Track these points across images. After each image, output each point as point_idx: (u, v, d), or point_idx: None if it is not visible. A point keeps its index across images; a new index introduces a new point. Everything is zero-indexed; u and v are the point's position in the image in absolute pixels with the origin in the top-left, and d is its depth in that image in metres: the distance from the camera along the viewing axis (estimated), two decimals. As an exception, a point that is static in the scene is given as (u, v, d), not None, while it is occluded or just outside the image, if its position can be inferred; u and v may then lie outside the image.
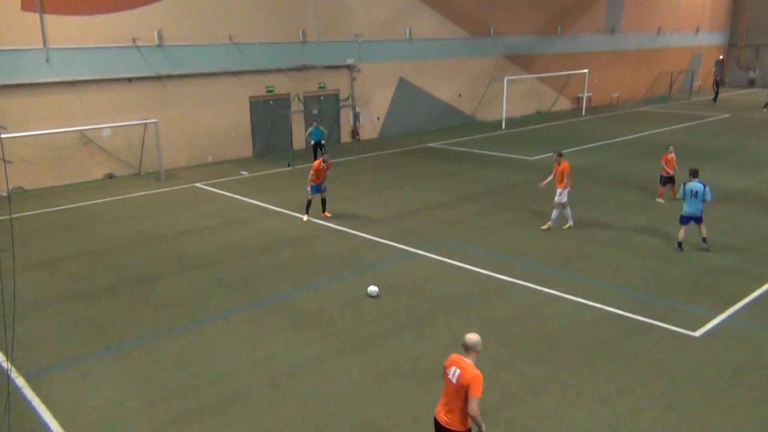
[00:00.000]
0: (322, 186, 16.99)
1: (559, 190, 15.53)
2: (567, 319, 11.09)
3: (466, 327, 10.75)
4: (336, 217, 17.20)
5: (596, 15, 41.25)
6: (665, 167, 18.36)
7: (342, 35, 28.46)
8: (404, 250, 14.67)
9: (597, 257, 14.02)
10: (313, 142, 24.02)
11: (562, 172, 15.33)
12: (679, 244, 14.24)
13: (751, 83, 53.30)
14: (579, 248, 14.66)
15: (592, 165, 23.70)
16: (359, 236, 15.72)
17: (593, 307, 11.52)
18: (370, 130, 30.53)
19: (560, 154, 15.52)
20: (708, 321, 10.93)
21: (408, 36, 31.04)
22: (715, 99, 42.69)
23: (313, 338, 10.51)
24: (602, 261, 13.74)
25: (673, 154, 18.47)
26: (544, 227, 15.78)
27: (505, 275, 13.05)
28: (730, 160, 24.01)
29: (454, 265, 13.70)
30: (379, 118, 30.93)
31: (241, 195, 20.11)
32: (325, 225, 16.67)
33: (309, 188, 16.73)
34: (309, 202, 16.87)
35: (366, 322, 11.04)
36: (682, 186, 13.88)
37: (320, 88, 28.23)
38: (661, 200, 18.34)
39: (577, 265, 13.65)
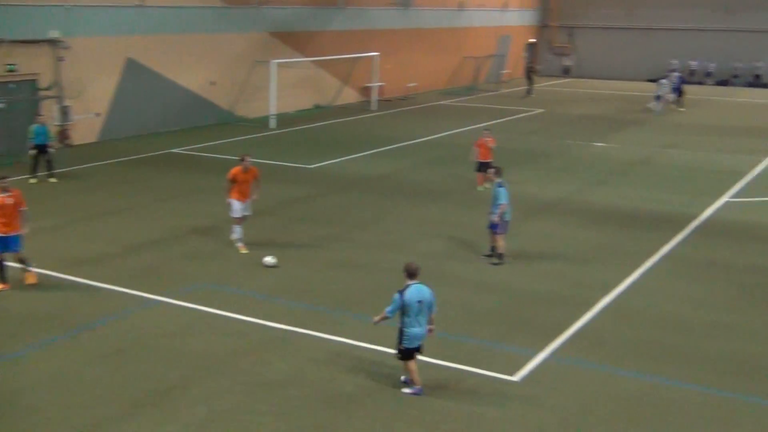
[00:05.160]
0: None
1: (240, 204, 16.57)
2: (363, 374, 11.51)
3: (231, 395, 10.72)
4: (33, 257, 16.16)
5: (385, -16, 43.68)
6: (480, 152, 22.49)
7: (40, -3, 27.05)
8: (139, 297, 14.28)
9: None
10: (34, 147, 22.89)
11: (255, 179, 16.74)
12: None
13: (566, 72, 59.97)
14: (376, 282, 15.32)
15: (385, 174, 24.95)
16: (71, 281, 15.05)
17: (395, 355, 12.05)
18: (85, 130, 29.21)
19: (243, 159, 16.65)
20: (527, 361, 12.01)
21: (138, 1, 30.34)
22: (529, 91, 47.15)
23: (5, 435, 9.78)
24: (403, 296, 14.45)
25: (486, 139, 22.56)
26: (243, 250, 16.75)
27: (280, 323, 13.21)
28: (544, 165, 26.78)
29: (210, 313, 13.59)
30: (99, 114, 29.77)
31: None
32: (15, 268, 15.56)
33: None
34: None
35: (85, 404, 10.56)
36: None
37: (9, 71, 26.54)
38: (482, 188, 22.14)
39: (376, 303, 14.13)
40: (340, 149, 28.66)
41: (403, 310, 10.58)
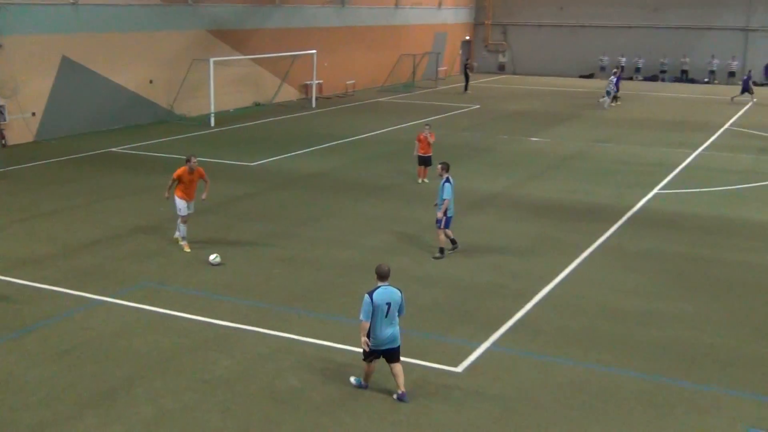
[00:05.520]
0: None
1: (185, 203, 16.56)
2: (309, 369, 11.56)
3: (177, 393, 10.68)
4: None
5: (322, -19, 43.65)
6: (420, 146, 23.00)
7: (-30, -5, 26.33)
8: (82, 297, 14.09)
9: (341, 287, 14.81)
10: None
11: (203, 179, 16.79)
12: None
13: (502, 68, 60.73)
14: (318, 277, 15.38)
15: (327, 170, 24.98)
16: (11, 283, 14.76)
17: (340, 350, 12.15)
18: (21, 130, 28.59)
19: (189, 159, 16.63)
20: (470, 352, 12.22)
21: (72, -1, 29.82)
22: (465, 88, 47.76)
23: (-52, 439, 9.58)
24: (348, 291, 14.54)
25: (426, 134, 22.86)
26: (186, 249, 16.70)
27: (225, 320, 13.18)
28: (482, 160, 27.15)
29: (154, 312, 13.50)
30: (34, 114, 29.16)
31: None
32: (-43, 271, 15.24)
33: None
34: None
35: (30, 406, 10.40)
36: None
37: (-61, 70, 25.80)
38: (421, 181, 23.16)
39: (317, 299, 14.29)
40: (281, 147, 28.58)
41: (372, 311, 10.42)
